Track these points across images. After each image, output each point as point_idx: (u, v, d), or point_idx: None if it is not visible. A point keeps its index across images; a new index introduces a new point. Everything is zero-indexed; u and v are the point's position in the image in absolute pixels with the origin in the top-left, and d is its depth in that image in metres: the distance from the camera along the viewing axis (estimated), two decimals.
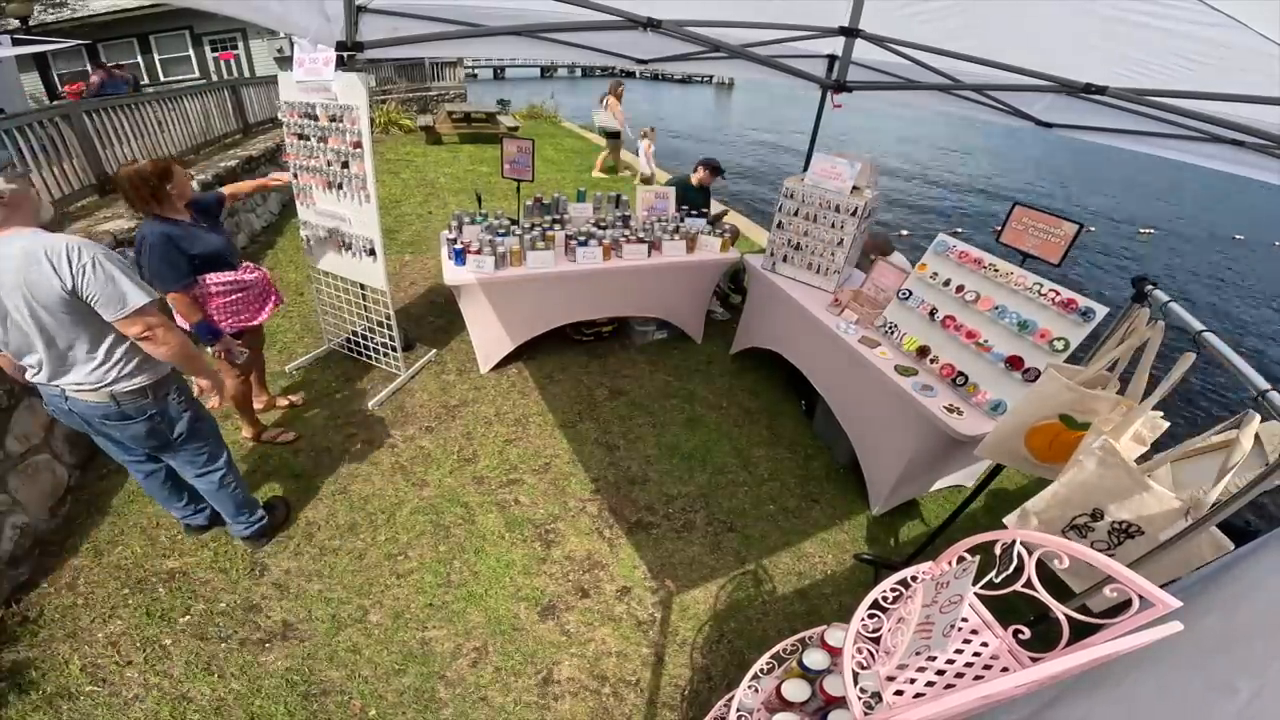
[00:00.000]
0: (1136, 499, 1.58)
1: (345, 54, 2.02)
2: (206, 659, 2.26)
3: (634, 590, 2.66)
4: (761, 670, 1.74)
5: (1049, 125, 2.83)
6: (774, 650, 1.77)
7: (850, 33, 2.32)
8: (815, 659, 1.57)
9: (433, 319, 4.72)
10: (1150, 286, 1.79)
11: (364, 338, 3.99)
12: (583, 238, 3.73)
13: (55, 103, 4.55)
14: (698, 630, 2.53)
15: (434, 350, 4.21)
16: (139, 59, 13.15)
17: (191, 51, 13.59)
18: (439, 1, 2.39)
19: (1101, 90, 1.65)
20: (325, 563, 2.66)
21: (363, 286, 3.74)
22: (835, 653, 1.54)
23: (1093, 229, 11.48)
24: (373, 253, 3.38)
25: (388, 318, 3.65)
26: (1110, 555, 1.65)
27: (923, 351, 2.92)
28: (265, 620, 2.41)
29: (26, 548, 2.55)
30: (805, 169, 4.02)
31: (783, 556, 2.89)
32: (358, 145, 3.12)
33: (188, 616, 2.40)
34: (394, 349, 3.80)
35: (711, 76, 39.51)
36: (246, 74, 13.51)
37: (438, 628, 2.43)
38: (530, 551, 2.79)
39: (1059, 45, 2.08)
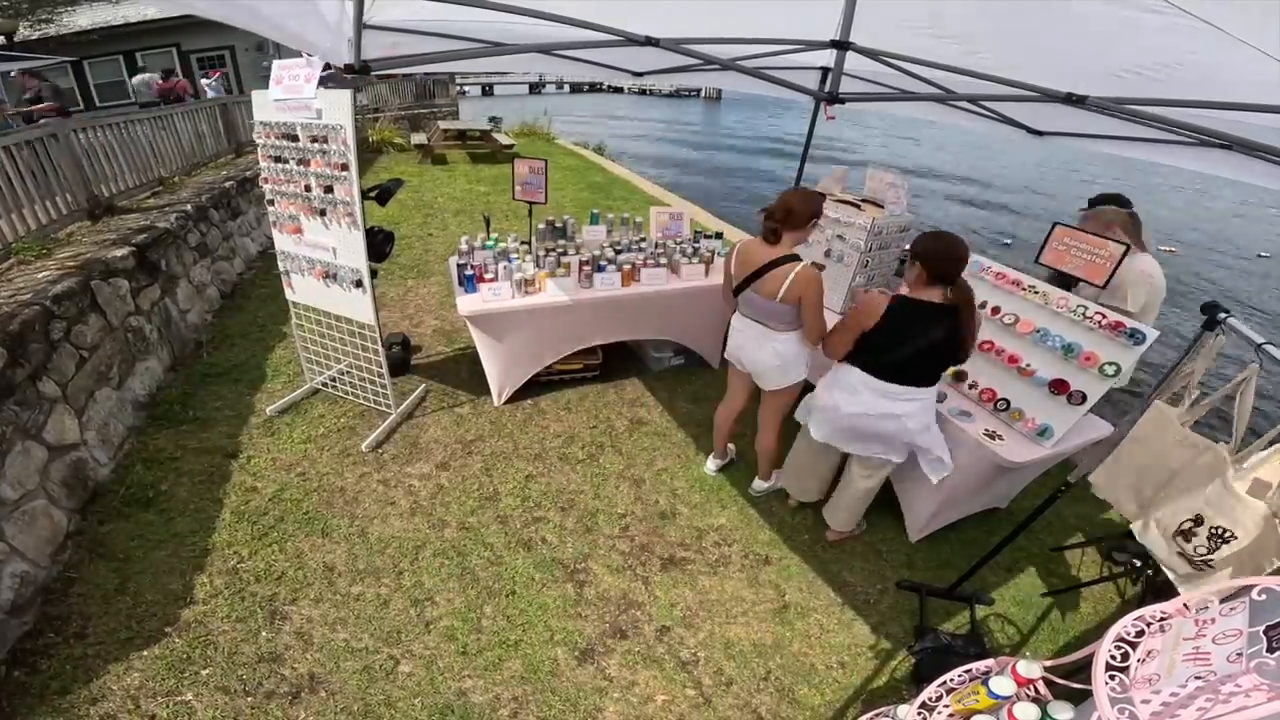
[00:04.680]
0: (1229, 505, 1.65)
1: (350, 74, 1.96)
2: (233, 714, 2.12)
3: (673, 629, 2.56)
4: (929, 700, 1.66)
5: (1040, 133, 2.83)
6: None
7: (842, 45, 2.31)
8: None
9: (441, 348, 4.60)
10: (1224, 314, 1.75)
11: (349, 374, 3.79)
12: (602, 263, 3.65)
13: (42, 121, 4.42)
14: (743, 667, 2.43)
15: (425, 384, 4.04)
16: (125, 76, 12.94)
17: (179, 69, 13.41)
18: (438, 18, 2.34)
19: (1081, 100, 1.64)
20: (348, 610, 2.52)
21: (349, 321, 3.46)
22: (1023, 683, 1.48)
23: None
24: (360, 284, 3.17)
25: (376, 353, 3.43)
26: (1210, 560, 1.72)
27: (959, 376, 2.87)
28: (290, 672, 2.27)
29: (28, 596, 2.41)
30: (798, 179, 4.00)
31: (823, 588, 2.80)
32: (344, 168, 2.92)
33: (209, 669, 2.25)
34: (384, 386, 3.56)
35: (700, 90, 39.97)
36: (235, 92, 13.37)
37: (473, 678, 2.30)
38: (563, 593, 2.67)
39: (1046, 54, 2.07)
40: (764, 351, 2.72)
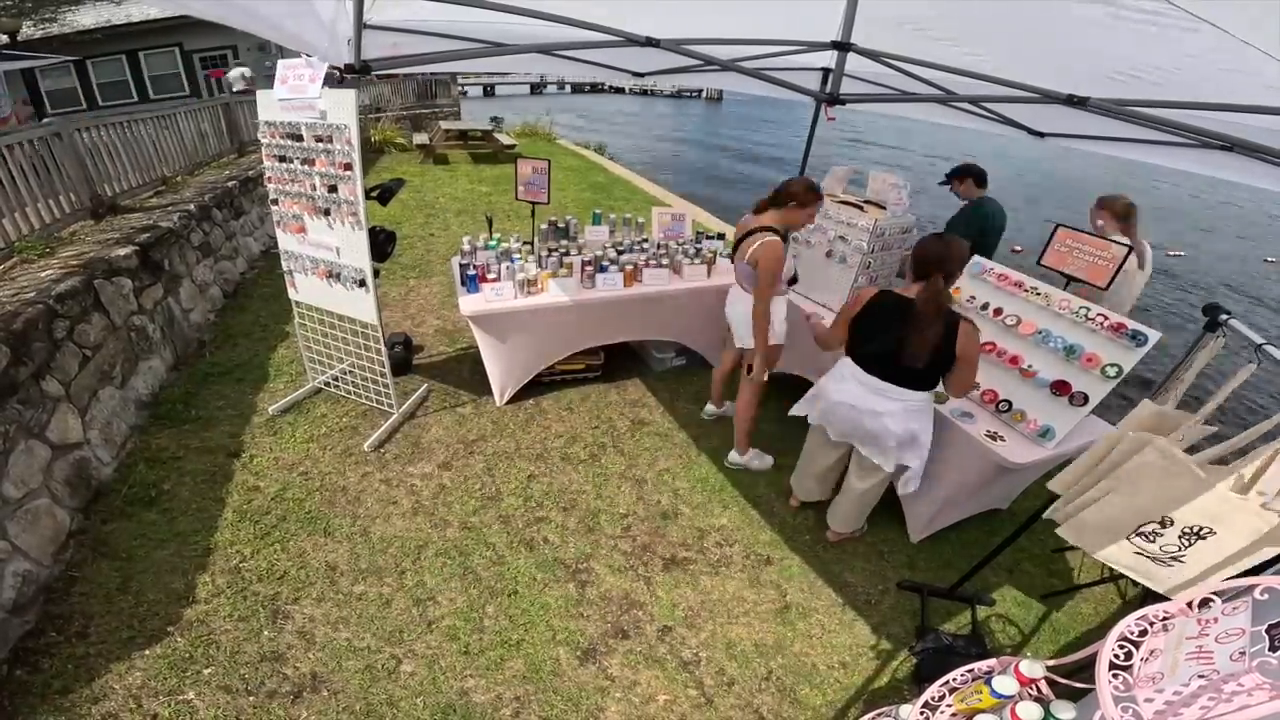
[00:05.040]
0: (1206, 503, 1.61)
1: (349, 75, 1.96)
2: (235, 713, 2.12)
3: (675, 629, 2.56)
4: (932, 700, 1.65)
5: (1041, 135, 2.82)
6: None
7: (843, 46, 2.32)
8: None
9: (443, 348, 4.61)
10: (1225, 316, 1.75)
11: (352, 374, 3.79)
12: (604, 263, 3.65)
13: (44, 120, 4.42)
14: (744, 667, 2.43)
15: (427, 384, 4.05)
16: (127, 76, 12.97)
17: (181, 69, 13.44)
18: (439, 18, 2.35)
19: (1083, 101, 1.64)
20: (350, 610, 2.52)
21: (352, 321, 3.46)
22: (1026, 682, 1.48)
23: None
24: (363, 284, 3.17)
25: (379, 353, 3.44)
26: (1183, 558, 1.67)
27: None
28: (293, 671, 2.27)
29: (30, 595, 2.41)
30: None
31: (824, 588, 2.80)
32: (348, 168, 2.92)
33: (211, 668, 2.26)
34: (387, 386, 3.55)
35: (701, 91, 39.97)
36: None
37: (475, 677, 2.31)
38: (565, 593, 2.67)
39: (1046, 55, 2.07)
40: (733, 309, 3.15)
